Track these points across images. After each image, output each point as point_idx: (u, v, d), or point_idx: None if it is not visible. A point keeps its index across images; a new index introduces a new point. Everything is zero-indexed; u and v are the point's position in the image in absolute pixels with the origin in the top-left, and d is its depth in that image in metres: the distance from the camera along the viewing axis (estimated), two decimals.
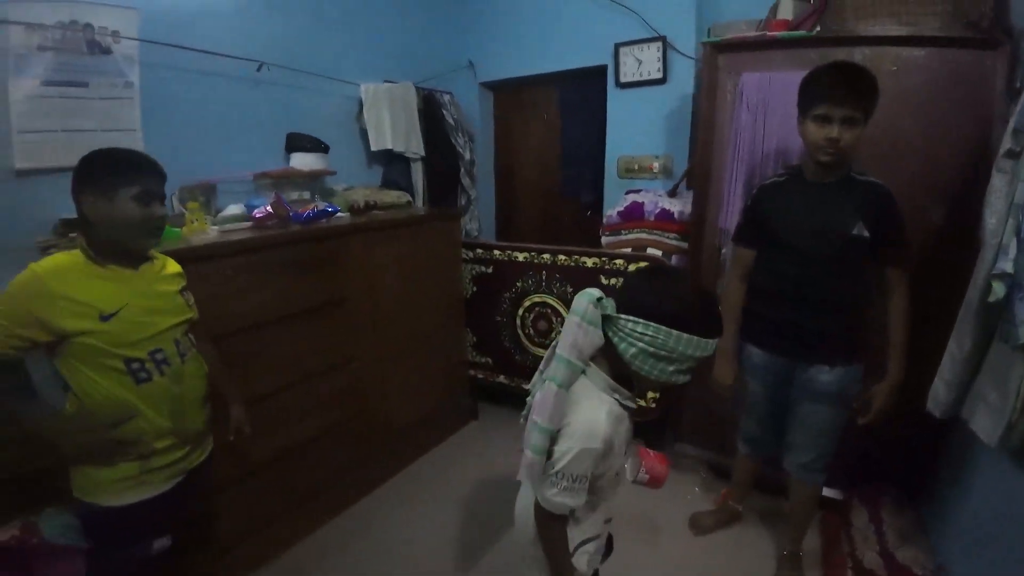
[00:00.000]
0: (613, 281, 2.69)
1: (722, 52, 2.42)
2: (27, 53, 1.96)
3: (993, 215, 1.46)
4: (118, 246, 1.37)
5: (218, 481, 1.90)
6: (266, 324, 2.10)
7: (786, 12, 2.51)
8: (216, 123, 2.56)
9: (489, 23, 3.83)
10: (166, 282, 1.51)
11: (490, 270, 3.09)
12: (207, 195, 2.39)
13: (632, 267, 2.63)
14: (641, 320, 1.13)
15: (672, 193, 3.04)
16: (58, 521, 1.72)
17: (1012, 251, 1.38)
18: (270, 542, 2.26)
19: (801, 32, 2.30)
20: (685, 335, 1.11)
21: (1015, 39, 1.93)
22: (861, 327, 1.84)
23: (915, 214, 1.87)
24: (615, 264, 2.68)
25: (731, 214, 2.39)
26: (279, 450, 2.22)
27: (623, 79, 3.30)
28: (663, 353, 1.13)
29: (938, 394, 1.70)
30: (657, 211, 2.81)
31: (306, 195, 2.64)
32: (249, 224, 2.24)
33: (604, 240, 3.00)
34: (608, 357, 1.22)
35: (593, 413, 1.19)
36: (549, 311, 2.92)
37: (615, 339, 1.18)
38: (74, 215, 1.92)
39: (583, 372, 1.23)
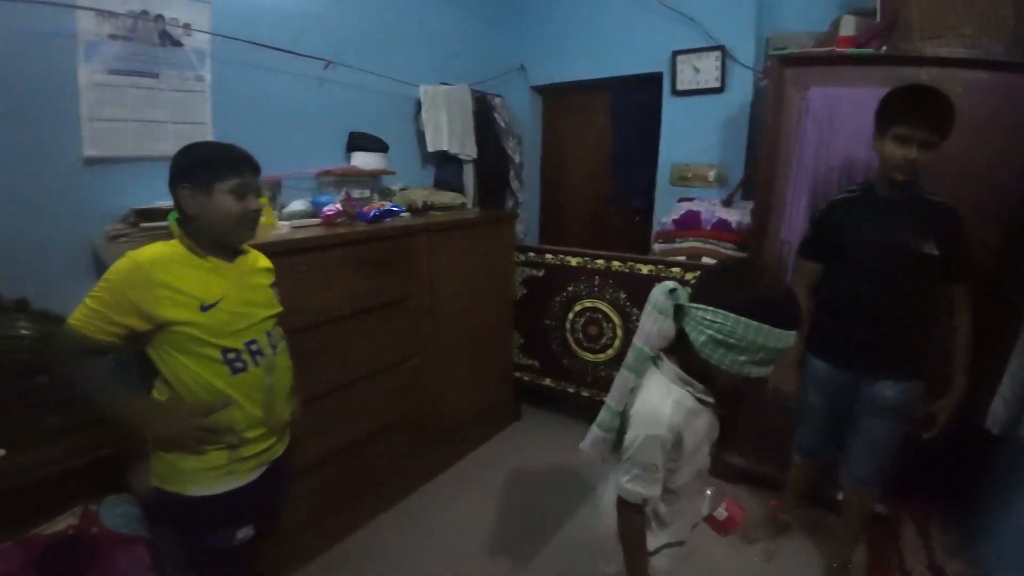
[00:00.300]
0: None
1: (789, 65, 2.41)
2: (97, 41, 1.99)
3: None
4: (215, 238, 1.39)
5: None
6: (336, 321, 2.13)
7: (848, 28, 2.52)
8: (281, 120, 2.61)
9: (543, 28, 3.86)
10: (259, 275, 1.53)
11: (541, 273, 3.10)
12: (273, 191, 2.44)
13: (689, 275, 2.63)
14: (711, 308, 1.14)
15: (727, 203, 3.03)
16: (119, 510, 1.74)
17: None
18: (326, 534, 2.30)
19: (870, 50, 2.30)
20: (754, 323, 1.09)
21: None
22: (926, 343, 1.85)
23: (975, 234, 1.88)
24: (672, 272, 2.68)
25: (793, 227, 2.38)
26: (342, 444, 2.26)
27: (680, 87, 3.30)
28: (732, 341, 1.11)
29: (997, 411, 1.74)
30: (714, 220, 2.81)
31: (366, 194, 2.67)
32: (317, 221, 2.28)
33: (657, 248, 3.00)
34: (683, 349, 1.23)
35: (658, 401, 1.22)
36: (600, 316, 2.93)
37: (687, 328, 1.19)
38: (147, 205, 2.02)
39: (655, 363, 1.28)
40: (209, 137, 2.30)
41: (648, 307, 1.26)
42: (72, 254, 2.04)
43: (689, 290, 1.25)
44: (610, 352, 2.94)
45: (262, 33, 2.43)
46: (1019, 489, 1.88)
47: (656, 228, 3.08)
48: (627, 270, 2.81)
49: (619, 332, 2.88)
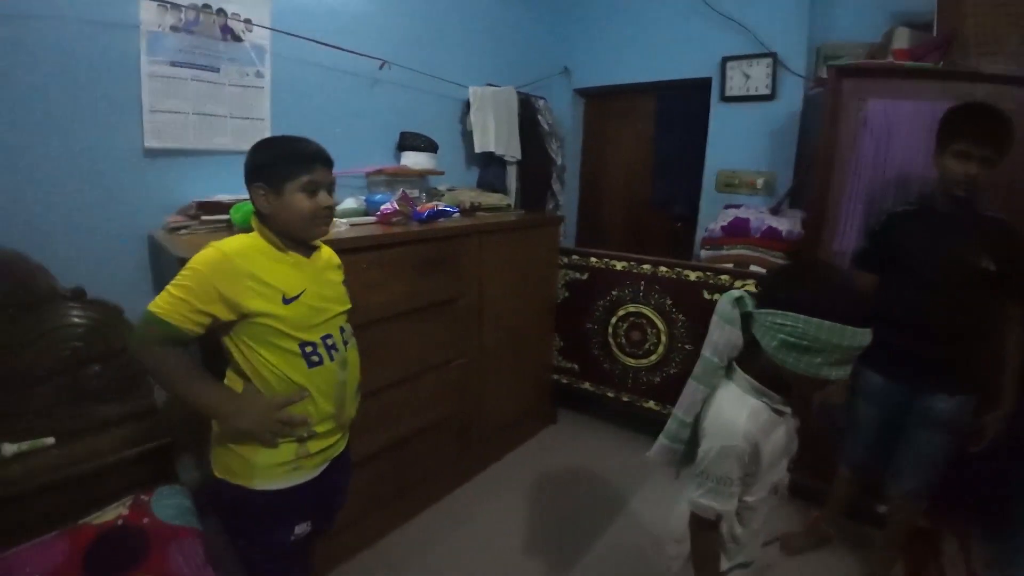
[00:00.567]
0: (716, 296, 2.65)
1: (847, 76, 2.40)
2: (160, 32, 2.01)
3: None
4: (291, 235, 1.39)
5: None
6: (391, 319, 2.14)
7: (902, 41, 2.53)
8: (335, 118, 2.64)
9: (589, 31, 3.86)
10: (333, 271, 1.55)
11: (585, 277, 3.09)
12: None
13: (738, 283, 2.61)
14: (779, 311, 1.11)
15: (775, 210, 3.00)
16: (171, 501, 1.74)
17: None
18: (371, 529, 2.32)
19: (929, 64, 2.30)
20: (826, 322, 1.05)
21: None
22: (979, 358, 1.86)
23: None
24: (720, 279, 2.66)
25: (847, 238, 2.37)
26: (390, 441, 2.27)
27: (728, 93, 3.28)
28: (805, 343, 1.08)
29: None
30: (764, 228, 2.78)
31: (415, 193, 2.68)
32: (372, 219, 2.29)
33: (704, 254, 2.98)
34: (756, 358, 1.20)
35: (732, 412, 1.20)
36: (644, 322, 2.91)
37: (757, 335, 1.17)
38: (207, 198, 2.03)
39: (728, 374, 1.27)
40: (267, 133, 2.33)
41: (715, 317, 1.25)
42: (130, 244, 2.07)
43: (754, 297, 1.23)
44: (653, 358, 2.92)
45: (319, 31, 2.45)
46: None
47: (703, 234, 3.05)
48: (674, 276, 2.79)
49: (663, 338, 2.86)
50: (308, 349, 1.39)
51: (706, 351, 1.27)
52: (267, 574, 1.52)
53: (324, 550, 2.03)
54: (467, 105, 3.19)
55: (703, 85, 3.42)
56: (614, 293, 2.99)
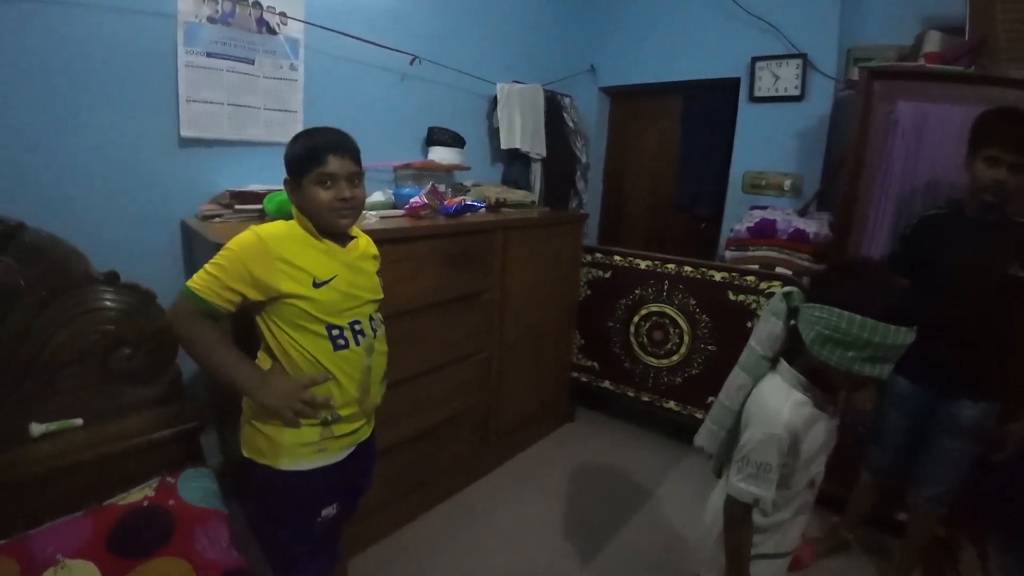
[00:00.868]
0: (741, 297, 2.65)
1: (878, 78, 2.38)
2: (196, 23, 2.04)
3: None
4: (319, 226, 1.42)
5: None
6: (418, 311, 2.16)
7: (933, 44, 2.51)
8: (365, 112, 2.67)
9: (616, 29, 3.85)
10: (368, 261, 1.57)
11: (608, 275, 3.09)
12: None
13: (764, 284, 2.59)
14: (818, 304, 1.15)
15: (802, 212, 2.97)
16: (197, 484, 1.75)
17: None
18: (390, 519, 2.33)
19: (960, 68, 2.28)
20: (859, 317, 1.08)
21: None
22: (1007, 365, 1.85)
23: None
24: (745, 280, 2.64)
25: (876, 242, 2.34)
26: (412, 432, 2.29)
27: (757, 93, 3.26)
28: (838, 336, 1.11)
29: None
30: (791, 230, 2.75)
31: (441, 188, 2.69)
32: (401, 212, 2.30)
33: (729, 255, 2.95)
34: (801, 352, 1.23)
35: (776, 402, 1.22)
36: (667, 322, 2.89)
37: (801, 328, 1.20)
38: (240, 188, 2.05)
39: (771, 366, 1.31)
40: (299, 126, 2.36)
41: (764, 310, 1.33)
42: (164, 231, 2.11)
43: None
44: (675, 358, 2.91)
45: (351, 26, 2.47)
46: None
47: (728, 235, 3.02)
48: (699, 276, 2.78)
49: (686, 339, 2.85)
50: (335, 332, 1.42)
51: (752, 341, 1.34)
52: (294, 557, 1.53)
53: (346, 537, 2.05)
54: (494, 101, 3.19)
55: (731, 85, 3.40)
56: (637, 292, 2.98)
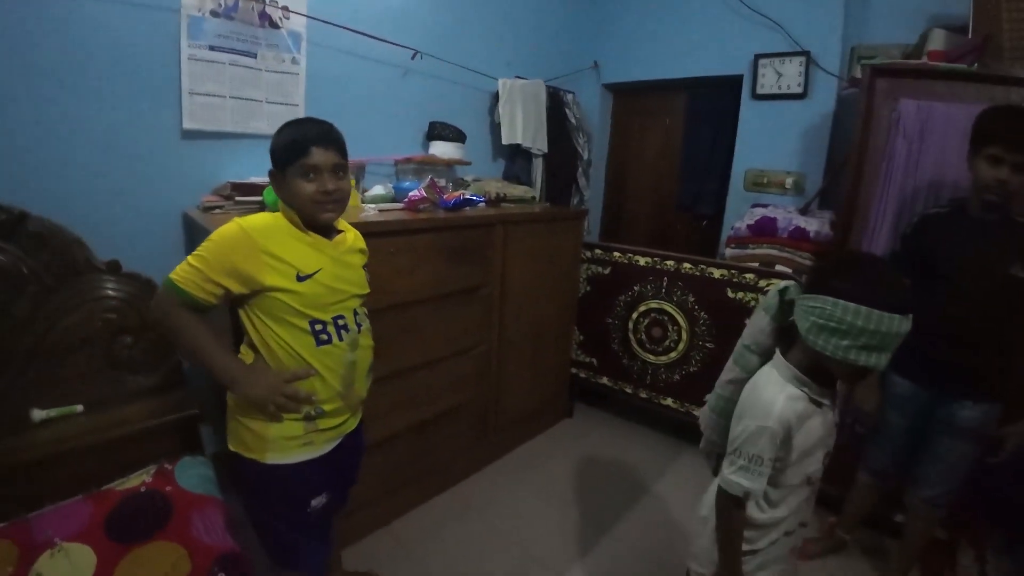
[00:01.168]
0: (740, 295, 2.65)
1: (881, 75, 2.36)
2: (200, 16, 2.05)
3: None
4: (303, 218, 1.41)
5: None
6: (417, 304, 2.18)
7: (937, 43, 2.48)
8: (367, 106, 2.68)
9: (620, 26, 3.84)
10: (354, 255, 1.56)
11: (607, 271, 3.09)
12: (357, 175, 2.48)
13: (763, 282, 2.59)
14: (813, 295, 1.16)
15: (804, 211, 2.96)
16: (195, 471, 1.78)
17: None
18: (387, 509, 2.35)
19: (963, 66, 2.26)
20: (852, 305, 1.08)
21: None
22: (1009, 366, 1.82)
23: None
24: (744, 278, 2.64)
25: (878, 241, 2.33)
26: (410, 424, 2.31)
27: (760, 91, 3.24)
28: (832, 325, 1.11)
29: None
30: (791, 228, 2.75)
31: (442, 182, 2.70)
32: (400, 205, 2.32)
33: (729, 252, 2.95)
34: (798, 345, 1.23)
35: (770, 394, 1.22)
36: (666, 319, 2.90)
37: (796, 319, 1.20)
38: (242, 180, 2.08)
39: (758, 359, 1.34)
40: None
41: (759, 305, 1.35)
42: (165, 221, 2.13)
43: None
44: (673, 355, 2.91)
45: (353, 20, 2.49)
46: None
47: (729, 232, 3.02)
48: (698, 273, 2.78)
49: (684, 335, 2.85)
50: (318, 327, 1.41)
51: (744, 336, 1.38)
52: (287, 546, 1.54)
53: (339, 527, 2.07)
54: (496, 97, 3.20)
55: (734, 83, 3.38)
56: (636, 289, 2.99)
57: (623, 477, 2.83)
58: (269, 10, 2.23)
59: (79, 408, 1.84)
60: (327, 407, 1.46)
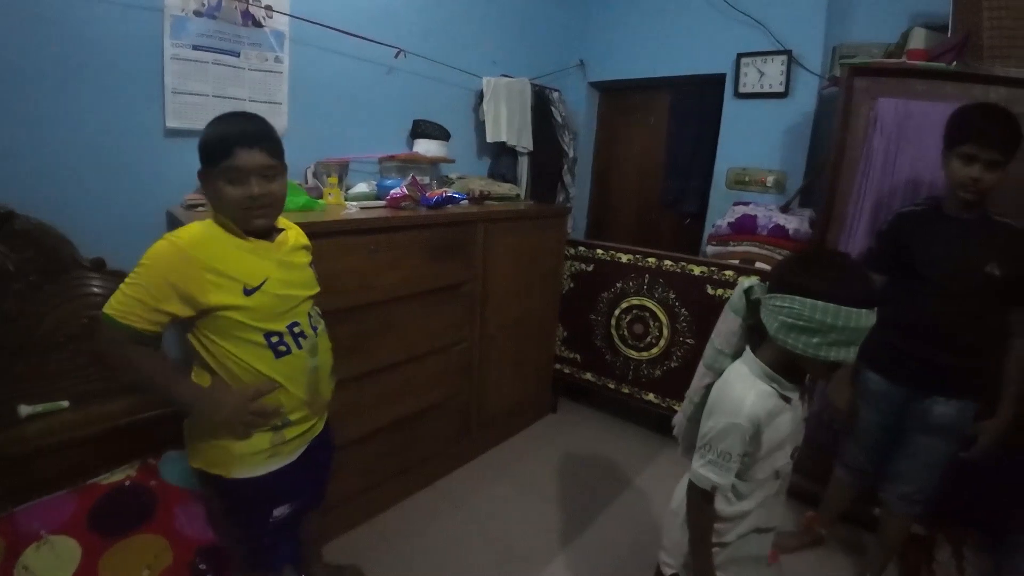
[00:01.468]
0: (720, 292, 2.69)
1: (860, 74, 2.39)
2: (183, 16, 2.07)
3: None
4: (234, 222, 1.31)
5: (338, 442, 1.98)
6: (398, 300, 2.21)
7: (918, 42, 2.50)
8: (351, 104, 2.70)
9: (605, 24, 3.88)
10: (299, 254, 1.48)
11: (590, 268, 3.13)
12: (340, 172, 2.50)
13: (742, 279, 2.62)
14: (779, 294, 1.17)
15: (784, 209, 3.00)
16: (178, 466, 1.81)
17: None
18: (369, 504, 2.38)
19: (942, 65, 2.27)
20: (820, 302, 1.09)
21: None
22: (983, 364, 1.83)
23: None
24: (724, 275, 2.68)
25: (854, 239, 2.36)
26: (392, 419, 2.34)
27: (742, 89, 3.28)
28: (801, 323, 1.12)
29: None
30: (771, 226, 2.79)
31: (425, 180, 2.72)
32: (382, 203, 2.35)
33: (710, 250, 2.99)
34: (767, 343, 1.24)
35: (740, 392, 1.24)
36: (648, 315, 2.94)
37: (764, 319, 1.21)
38: None
39: (731, 360, 1.33)
40: (284, 117, 2.40)
41: (726, 307, 1.34)
42: (149, 219, 2.14)
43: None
44: (654, 351, 2.95)
45: (337, 19, 2.50)
46: None
47: (710, 230, 3.06)
48: (679, 270, 2.82)
49: (665, 332, 2.89)
50: (274, 339, 1.34)
51: (713, 338, 1.37)
52: (253, 552, 1.54)
53: (321, 521, 2.10)
54: (481, 95, 3.22)
55: (717, 81, 3.42)
56: (618, 285, 3.03)
57: (605, 472, 2.87)
58: (252, 9, 2.24)
59: (65, 404, 1.86)
60: (293, 416, 1.42)
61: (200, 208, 2.03)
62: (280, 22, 2.34)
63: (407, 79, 2.90)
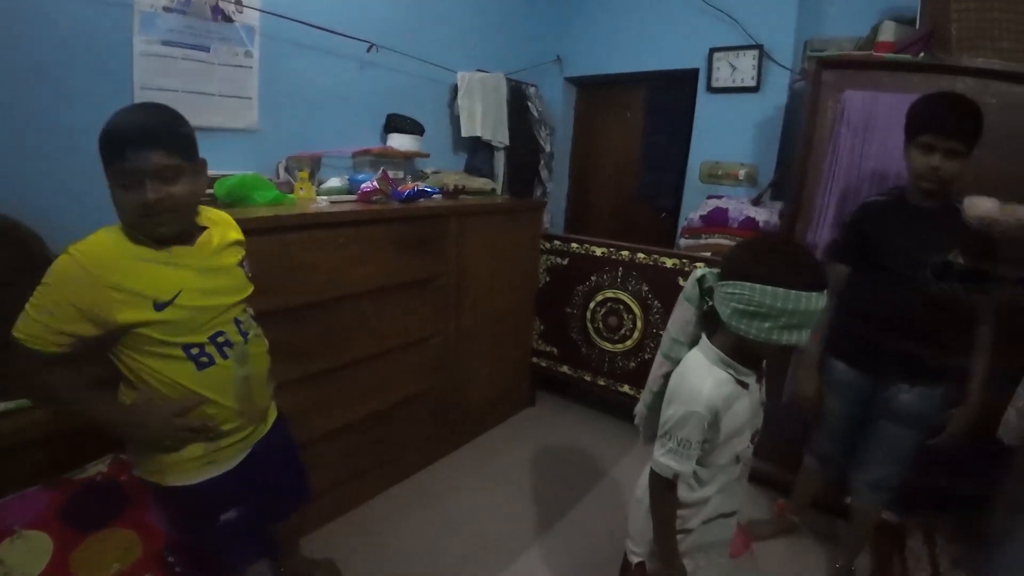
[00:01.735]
0: None
1: (827, 68, 2.41)
2: (152, 12, 2.06)
3: None
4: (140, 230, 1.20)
5: (310, 437, 2.03)
6: (369, 294, 2.21)
7: (888, 34, 2.52)
8: (323, 99, 2.69)
9: (581, 19, 3.90)
10: (225, 255, 1.37)
11: (565, 262, 3.16)
12: (312, 167, 2.50)
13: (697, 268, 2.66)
14: (730, 281, 1.19)
15: (756, 202, 3.05)
16: None
17: None
18: (346, 498, 2.39)
19: (907, 56, 2.29)
20: (770, 287, 1.12)
21: None
22: (948, 351, 1.84)
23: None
24: (696, 267, 2.70)
25: (822, 230, 2.39)
26: (367, 413, 2.35)
27: (715, 84, 3.32)
28: (752, 309, 1.14)
29: (1010, 422, 1.75)
30: (741, 218, 2.83)
31: (400, 175, 2.73)
32: (354, 197, 2.35)
33: (683, 243, 3.03)
34: (721, 330, 1.27)
35: (697, 380, 1.25)
36: (622, 308, 2.97)
37: (717, 307, 1.24)
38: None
39: (699, 346, 1.33)
40: (255, 112, 2.40)
41: (680, 297, 1.36)
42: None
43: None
44: (628, 343, 2.99)
45: (309, 13, 2.49)
46: None
47: (683, 223, 3.10)
48: (651, 263, 2.85)
49: (639, 324, 2.93)
50: (194, 351, 1.26)
51: (669, 327, 1.40)
52: (210, 555, 1.54)
53: (298, 515, 2.11)
54: (456, 90, 3.23)
55: (690, 76, 3.46)
56: (593, 279, 3.06)
57: (581, 463, 2.90)
58: (222, 4, 2.23)
59: None
60: (227, 427, 1.35)
61: None
62: (250, 17, 2.33)
63: (381, 74, 2.90)
